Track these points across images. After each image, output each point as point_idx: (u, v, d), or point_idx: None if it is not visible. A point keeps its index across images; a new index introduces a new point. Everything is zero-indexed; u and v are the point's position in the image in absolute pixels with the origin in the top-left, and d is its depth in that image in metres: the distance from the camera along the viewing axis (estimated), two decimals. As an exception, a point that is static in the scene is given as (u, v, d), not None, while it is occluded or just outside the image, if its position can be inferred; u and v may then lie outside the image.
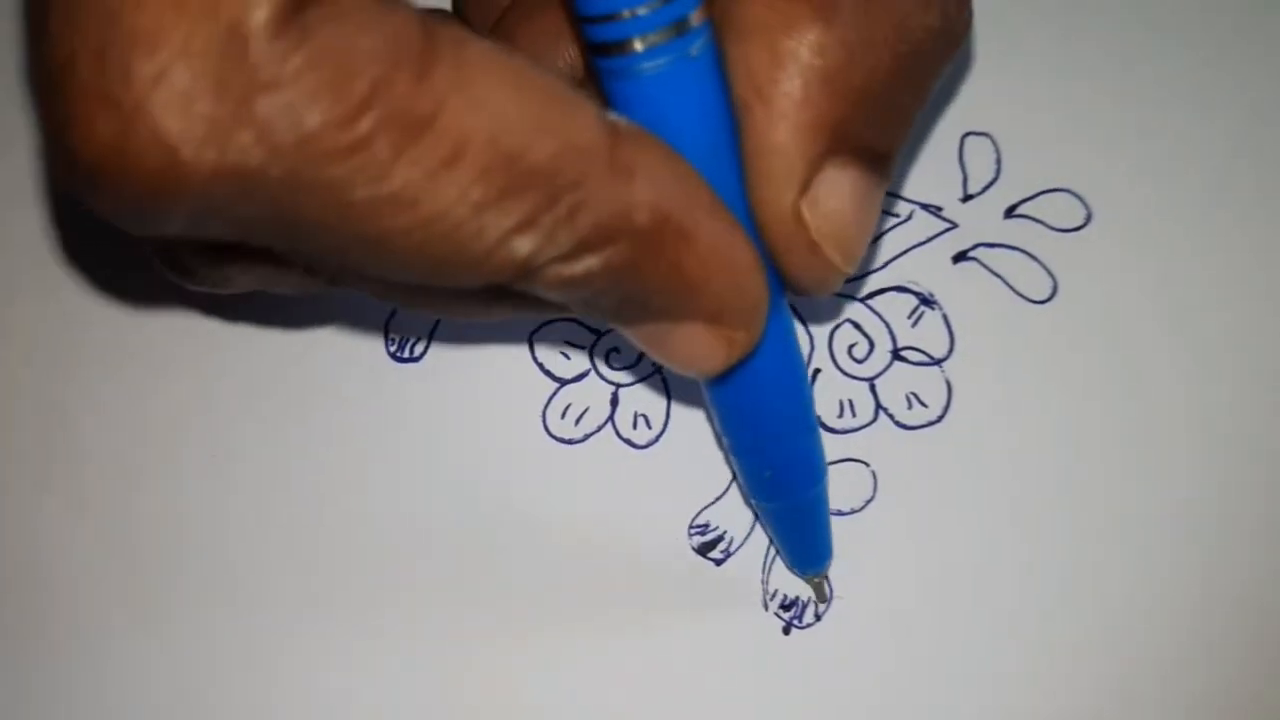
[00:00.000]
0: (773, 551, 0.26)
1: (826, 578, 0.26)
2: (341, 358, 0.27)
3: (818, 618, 0.25)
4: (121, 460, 0.27)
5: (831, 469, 0.26)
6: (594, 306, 0.19)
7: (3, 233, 0.29)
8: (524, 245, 0.17)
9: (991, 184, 0.29)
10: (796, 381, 0.23)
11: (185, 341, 0.28)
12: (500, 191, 0.17)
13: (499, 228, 0.17)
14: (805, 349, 0.27)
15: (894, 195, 0.29)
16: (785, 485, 0.24)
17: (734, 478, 0.26)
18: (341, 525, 0.26)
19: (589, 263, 0.18)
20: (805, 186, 0.20)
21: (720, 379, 0.22)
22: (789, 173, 0.20)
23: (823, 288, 0.21)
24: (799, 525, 0.25)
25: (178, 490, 0.26)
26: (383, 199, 0.16)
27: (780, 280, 0.21)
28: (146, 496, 0.26)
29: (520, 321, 0.28)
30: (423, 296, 0.21)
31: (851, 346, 0.28)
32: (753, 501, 0.26)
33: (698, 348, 0.20)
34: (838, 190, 0.20)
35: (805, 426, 0.24)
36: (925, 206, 0.29)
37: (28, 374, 0.28)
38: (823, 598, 0.26)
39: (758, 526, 0.26)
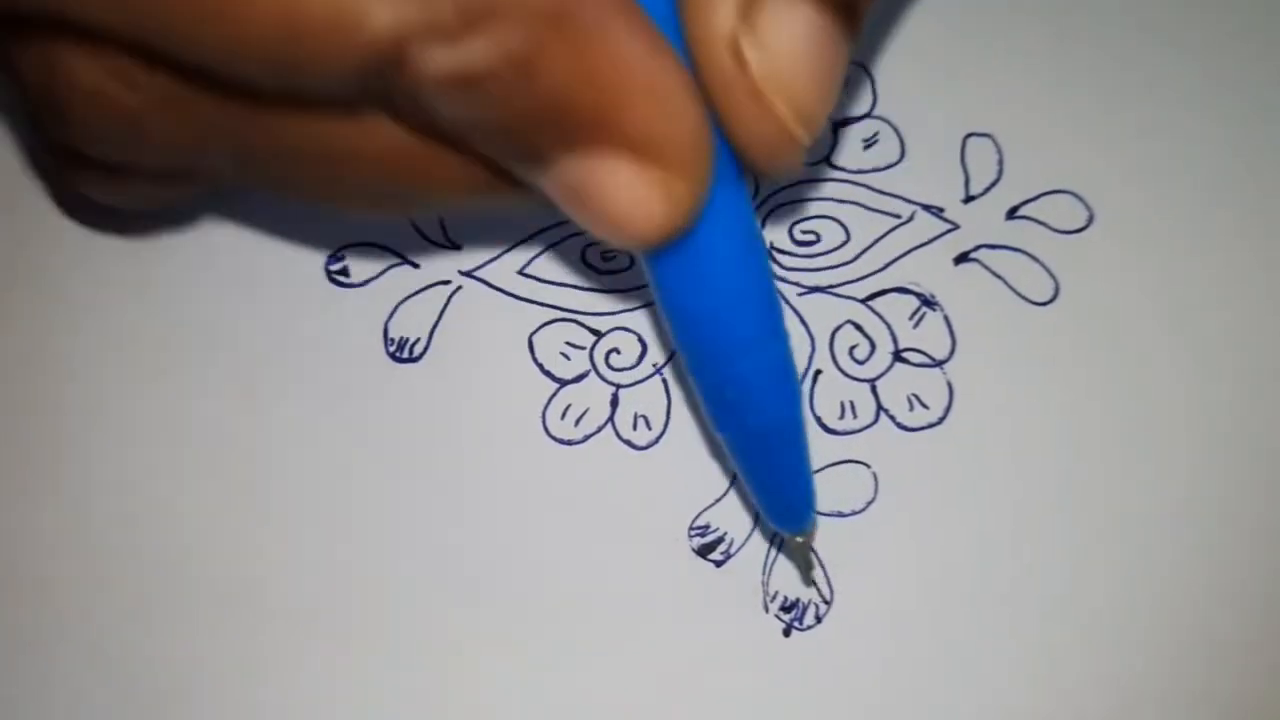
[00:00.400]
0: (774, 553, 0.26)
1: (813, 548, 0.24)
2: (340, 357, 0.27)
3: (819, 620, 0.25)
4: (110, 460, 0.26)
5: (832, 471, 0.26)
6: (490, 130, 0.16)
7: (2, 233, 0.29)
8: (389, 12, 0.15)
9: (993, 185, 0.29)
10: (758, 271, 0.20)
11: (180, 341, 0.27)
12: None
13: None
14: (805, 350, 0.27)
15: (895, 196, 0.29)
16: (751, 408, 0.21)
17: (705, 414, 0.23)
18: (338, 525, 0.26)
19: (476, 49, 0.15)
20: (745, 11, 0.17)
21: (666, 263, 0.19)
22: None
23: (774, 159, 0.18)
24: (771, 462, 0.22)
25: (172, 491, 0.26)
26: None
27: (735, 158, 0.18)
28: (141, 497, 0.26)
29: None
30: (284, 123, 0.18)
31: (853, 348, 0.27)
32: (717, 436, 0.22)
33: (627, 195, 0.17)
34: (787, 25, 0.17)
35: (771, 330, 0.20)
36: (927, 207, 0.29)
37: (23, 372, 0.27)
38: (808, 568, 0.24)
39: (758, 527, 0.26)
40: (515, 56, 0.15)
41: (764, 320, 0.20)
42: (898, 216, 0.28)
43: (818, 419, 0.27)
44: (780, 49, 0.17)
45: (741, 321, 0.20)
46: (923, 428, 0.27)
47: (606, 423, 0.27)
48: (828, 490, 0.26)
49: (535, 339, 0.27)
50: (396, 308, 0.28)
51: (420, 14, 0.15)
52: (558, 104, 0.16)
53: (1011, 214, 0.28)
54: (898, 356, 0.27)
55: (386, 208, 0.22)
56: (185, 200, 0.24)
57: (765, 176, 0.19)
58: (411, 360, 0.27)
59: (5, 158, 0.29)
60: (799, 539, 0.24)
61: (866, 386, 0.27)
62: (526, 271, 0.28)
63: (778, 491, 0.23)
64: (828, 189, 0.29)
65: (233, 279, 0.28)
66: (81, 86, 0.18)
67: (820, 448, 0.26)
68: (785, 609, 0.25)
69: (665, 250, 0.19)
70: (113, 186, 0.21)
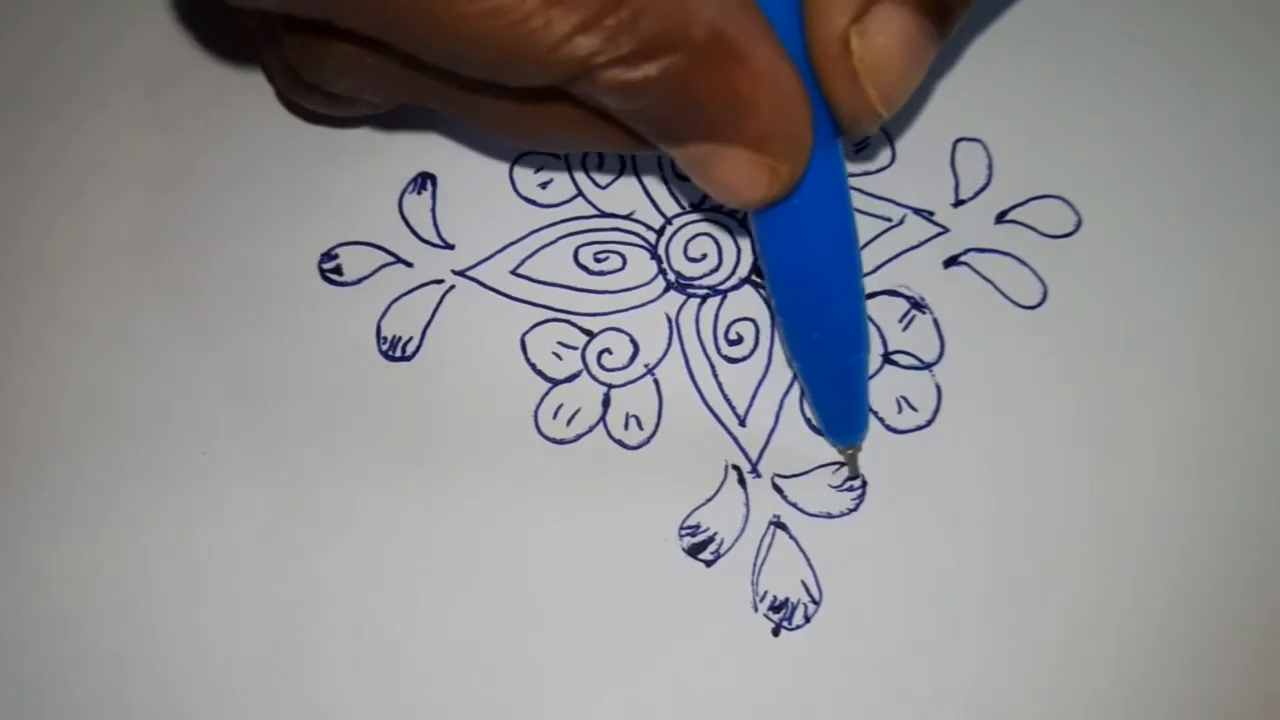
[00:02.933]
0: (763, 553, 0.26)
1: (859, 449, 0.26)
2: (334, 355, 0.27)
3: (807, 619, 0.25)
4: (108, 458, 0.27)
5: (821, 472, 0.27)
6: (646, 119, 0.21)
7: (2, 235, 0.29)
8: (586, 44, 0.20)
9: (983, 190, 0.29)
10: (845, 234, 0.24)
11: (175, 339, 0.28)
12: None
13: (566, 23, 0.19)
14: (797, 352, 0.28)
15: (886, 199, 0.29)
16: (829, 348, 0.25)
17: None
18: (330, 522, 0.26)
19: (646, 70, 0.20)
20: (859, 15, 0.21)
21: (769, 223, 0.23)
22: None
23: (859, 124, 0.23)
24: (838, 392, 0.26)
25: (166, 489, 0.26)
26: None
27: (832, 123, 0.23)
28: (134, 496, 0.26)
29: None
30: (485, 99, 0.23)
31: (845, 349, 0.28)
32: (794, 365, 0.26)
33: (741, 174, 0.22)
34: (888, 27, 0.22)
35: (852, 287, 0.24)
36: (917, 211, 0.29)
37: (20, 371, 0.27)
38: (854, 471, 0.26)
39: (748, 528, 0.26)
40: (674, 75, 0.20)
41: (845, 277, 0.24)
42: (888, 220, 0.29)
43: (808, 421, 0.27)
44: (878, 44, 0.22)
45: (825, 274, 0.24)
46: (911, 430, 0.27)
47: (598, 422, 0.27)
48: (816, 492, 0.26)
49: (528, 339, 0.28)
50: (389, 306, 0.28)
51: (608, 45, 0.20)
52: (700, 109, 0.21)
53: (1000, 218, 0.29)
54: (887, 359, 0.28)
55: (544, 147, 0.29)
56: (371, 120, 0.29)
57: (850, 136, 0.23)
58: (404, 359, 0.27)
59: (5, 159, 0.29)
60: (849, 451, 0.27)
61: (856, 388, 0.27)
62: (519, 271, 0.28)
63: (840, 414, 0.26)
64: (819, 192, 0.29)
65: (227, 276, 0.28)
66: (337, 52, 0.23)
67: (809, 450, 0.27)
68: (774, 609, 0.26)
69: (768, 210, 0.23)
70: (332, 107, 0.27)
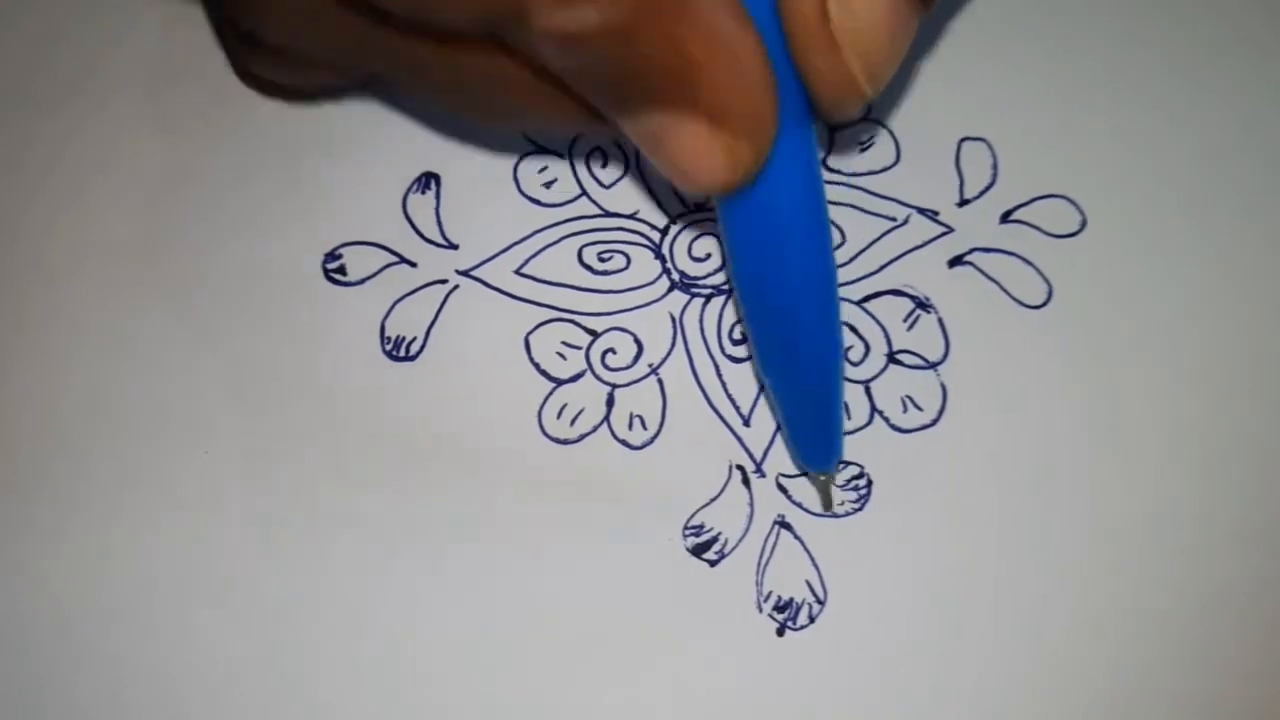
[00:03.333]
0: (768, 553, 0.26)
1: (833, 478, 0.25)
2: (337, 354, 0.27)
3: (812, 620, 0.25)
4: (110, 458, 0.26)
5: (826, 471, 0.27)
6: (591, 80, 0.20)
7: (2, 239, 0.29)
8: None
9: (988, 189, 0.29)
10: (815, 234, 0.22)
11: (176, 339, 0.27)
12: None
13: None
14: (801, 351, 0.28)
15: (891, 199, 0.29)
16: (799, 362, 0.23)
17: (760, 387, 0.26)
18: (333, 524, 0.26)
19: (584, 14, 0.18)
20: None
21: (731, 216, 0.22)
22: None
23: (841, 104, 0.20)
24: (810, 410, 0.24)
25: (168, 488, 0.26)
26: None
27: (805, 105, 0.20)
28: (135, 496, 0.26)
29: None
30: (426, 51, 0.22)
31: (848, 349, 0.28)
32: (763, 379, 0.25)
33: (698, 152, 0.20)
34: None
35: (824, 295, 0.22)
36: (922, 210, 0.29)
37: (21, 370, 0.27)
38: (828, 502, 0.25)
39: (753, 527, 0.26)
40: (616, 24, 0.18)
41: (817, 281, 0.22)
42: (893, 219, 0.29)
43: (812, 420, 0.27)
44: (860, 11, 0.19)
45: (795, 276, 0.22)
46: (916, 429, 0.27)
47: (602, 422, 0.27)
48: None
49: (531, 338, 0.28)
50: (393, 306, 0.28)
51: None
52: (648, 67, 0.19)
53: (1005, 218, 0.29)
54: (892, 358, 0.28)
55: (499, 122, 0.27)
56: (331, 91, 0.29)
57: (830, 119, 0.21)
58: (408, 359, 0.27)
59: (5, 159, 0.29)
60: (822, 478, 0.25)
61: (861, 388, 0.27)
62: (523, 271, 0.28)
63: (808, 434, 0.25)
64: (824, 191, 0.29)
65: (228, 275, 0.28)
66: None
67: (815, 448, 0.27)
68: (779, 609, 0.25)
69: (731, 202, 0.21)
70: (286, 75, 0.26)
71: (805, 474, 0.26)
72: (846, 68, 0.20)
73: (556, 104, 0.22)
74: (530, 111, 0.22)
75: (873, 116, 0.30)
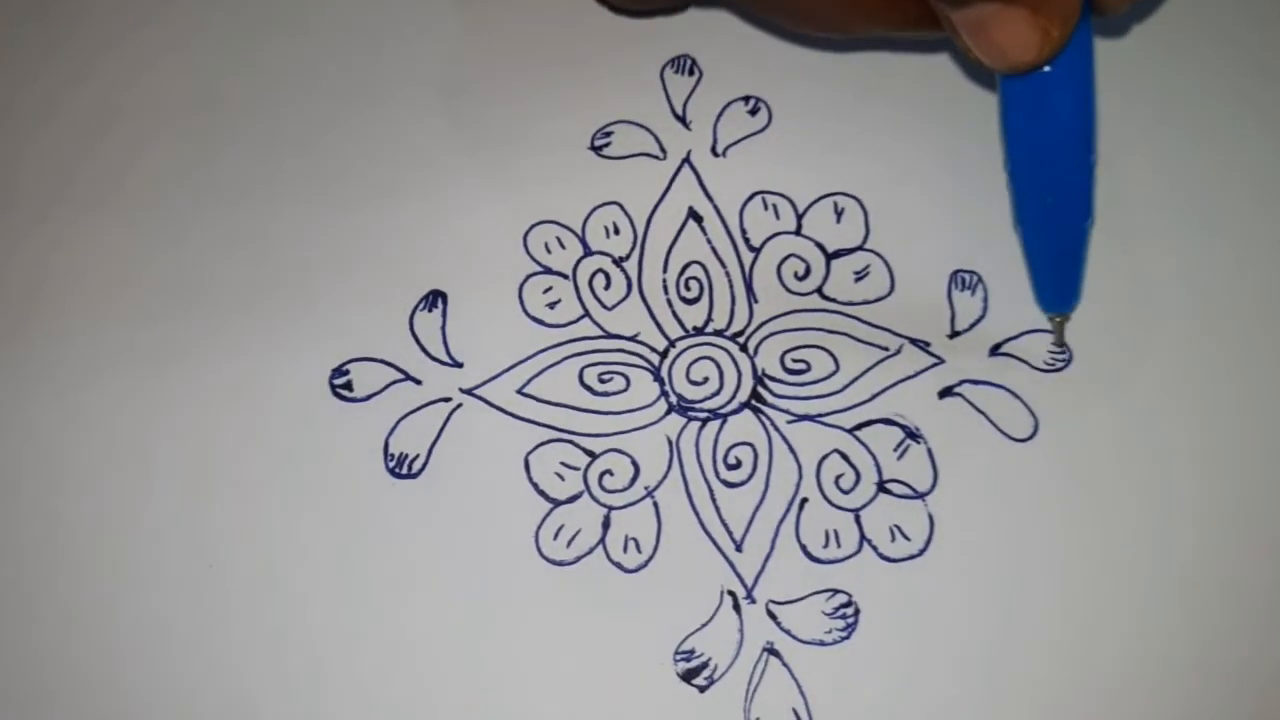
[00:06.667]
0: (755, 680, 0.26)
1: (1068, 318, 0.29)
2: (341, 471, 0.28)
3: (797, 748, 0.26)
4: (114, 579, 0.27)
5: (816, 598, 0.27)
6: None
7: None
8: None
9: (978, 322, 0.30)
10: (1087, 104, 0.26)
11: (182, 453, 0.28)
12: None
13: None
14: (793, 477, 0.28)
15: (884, 329, 0.30)
16: (1059, 216, 0.27)
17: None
18: (334, 637, 0.27)
19: None
20: None
21: (1022, 90, 0.26)
22: None
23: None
24: (1060, 259, 0.28)
25: (172, 603, 0.27)
26: None
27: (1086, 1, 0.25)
28: (139, 611, 0.27)
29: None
30: None
31: (839, 477, 0.28)
32: (1019, 230, 0.29)
33: (1018, 34, 0.24)
34: None
35: (1087, 158, 0.27)
36: (914, 341, 0.30)
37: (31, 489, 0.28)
38: (1061, 339, 0.29)
39: (742, 654, 0.27)
40: None
41: (1082, 148, 0.27)
42: (885, 349, 0.29)
43: (803, 547, 0.28)
44: None
45: (1066, 142, 0.27)
46: (904, 559, 0.28)
47: (597, 544, 0.28)
48: (810, 619, 0.27)
49: (531, 458, 0.28)
50: (398, 423, 0.28)
51: None
52: None
53: (994, 351, 0.29)
54: (881, 487, 0.28)
55: (828, 30, 0.30)
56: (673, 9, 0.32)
57: (1104, 12, 0.26)
58: (410, 476, 0.28)
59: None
60: (1059, 319, 0.29)
61: (851, 516, 0.28)
62: (525, 391, 0.29)
63: (1058, 282, 0.29)
64: (819, 319, 0.30)
65: (237, 388, 0.29)
66: None
67: (804, 577, 0.27)
68: (766, 735, 0.26)
69: (1023, 78, 0.26)
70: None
71: (1045, 314, 0.29)
72: None
73: (896, 6, 0.26)
74: (871, 16, 0.26)
75: (869, 246, 0.30)
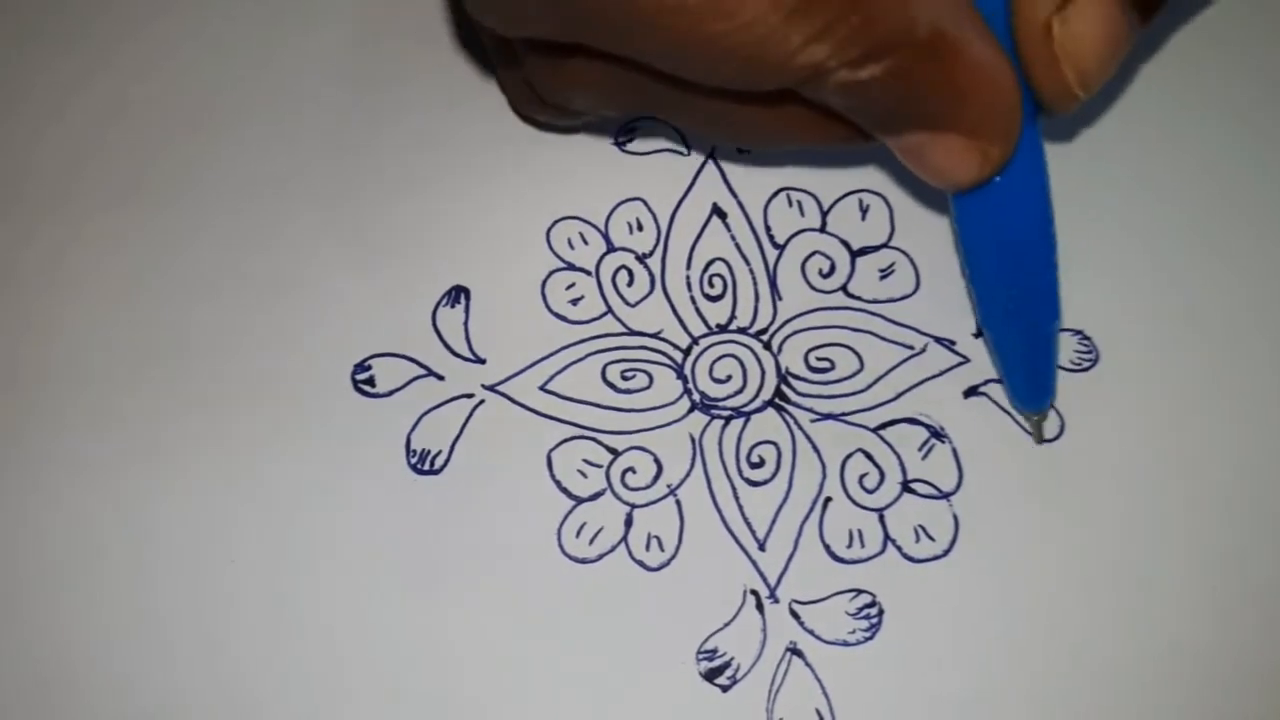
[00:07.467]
0: (778, 680, 0.26)
1: (1045, 415, 0.28)
2: (363, 467, 0.28)
3: (821, 749, 0.26)
4: (133, 572, 0.27)
5: (839, 598, 0.27)
6: (868, 113, 0.23)
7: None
8: (819, 51, 0.21)
9: (1004, 320, 0.29)
10: (1042, 208, 0.26)
11: (203, 449, 0.28)
12: (808, 4, 0.21)
13: (801, 35, 0.21)
14: (817, 476, 0.28)
15: (909, 327, 0.29)
16: (1024, 317, 0.27)
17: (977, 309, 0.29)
18: (355, 634, 0.26)
19: (872, 70, 0.22)
20: (1062, 4, 0.23)
21: (973, 201, 0.25)
22: None
23: (1058, 103, 0.24)
24: (1029, 359, 0.27)
25: (194, 600, 0.27)
26: (708, 5, 0.21)
27: (1034, 105, 0.24)
28: (162, 608, 0.27)
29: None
30: (717, 104, 0.25)
31: (863, 476, 0.28)
32: (987, 334, 0.28)
33: (954, 158, 0.24)
34: (1089, 16, 0.23)
35: (1048, 259, 0.26)
36: (939, 340, 0.29)
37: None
38: (1041, 437, 0.28)
39: (765, 653, 0.27)
40: (897, 73, 0.22)
41: (1041, 248, 0.26)
42: (910, 348, 0.29)
43: (827, 547, 0.27)
44: (1079, 31, 0.23)
45: (1022, 244, 0.26)
46: (928, 559, 0.27)
47: (620, 542, 0.27)
48: (833, 619, 0.27)
49: (554, 455, 0.28)
50: (420, 419, 0.28)
51: (839, 51, 0.22)
52: (919, 102, 0.23)
53: (1021, 350, 0.29)
54: (906, 487, 0.28)
55: (764, 145, 0.30)
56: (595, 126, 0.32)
57: (1051, 113, 0.25)
58: (432, 472, 0.28)
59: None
60: (1036, 417, 0.28)
61: (875, 516, 0.28)
62: (548, 388, 0.29)
63: (1027, 380, 0.28)
64: (843, 317, 0.30)
65: (259, 383, 0.29)
66: (577, 72, 0.25)
67: (827, 576, 0.27)
68: (788, 736, 0.26)
69: (972, 190, 0.25)
70: (562, 118, 0.29)
71: (1021, 412, 0.28)
72: (1062, 76, 0.24)
73: (828, 130, 0.25)
74: (804, 137, 0.26)
75: (894, 244, 0.30)
